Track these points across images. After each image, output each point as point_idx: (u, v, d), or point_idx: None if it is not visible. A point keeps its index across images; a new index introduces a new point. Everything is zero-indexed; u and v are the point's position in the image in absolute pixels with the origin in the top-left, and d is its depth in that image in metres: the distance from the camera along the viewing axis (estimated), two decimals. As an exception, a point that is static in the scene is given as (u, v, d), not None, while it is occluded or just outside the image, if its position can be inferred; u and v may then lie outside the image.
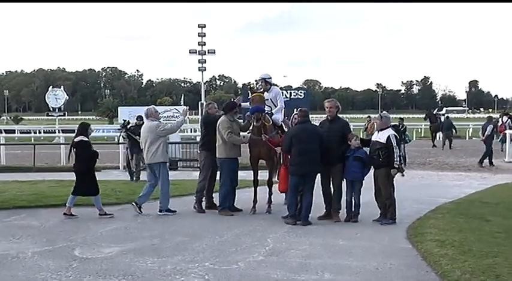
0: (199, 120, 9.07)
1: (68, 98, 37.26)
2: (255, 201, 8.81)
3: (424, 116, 28.12)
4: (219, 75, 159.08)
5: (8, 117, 77.19)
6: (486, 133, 17.04)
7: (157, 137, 8.52)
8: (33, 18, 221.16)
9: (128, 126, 12.53)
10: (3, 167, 16.35)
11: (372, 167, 7.92)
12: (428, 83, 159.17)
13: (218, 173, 8.91)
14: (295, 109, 14.93)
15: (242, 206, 8.81)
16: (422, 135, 31.61)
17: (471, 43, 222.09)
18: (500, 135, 20.93)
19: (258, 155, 8.79)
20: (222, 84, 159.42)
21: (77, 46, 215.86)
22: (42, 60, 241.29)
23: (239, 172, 8.87)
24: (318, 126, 8.11)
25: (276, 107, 9.19)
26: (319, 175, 7.98)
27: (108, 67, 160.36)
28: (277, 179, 8.87)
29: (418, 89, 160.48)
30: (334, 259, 6.04)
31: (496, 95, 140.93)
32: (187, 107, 9.15)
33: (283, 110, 9.26)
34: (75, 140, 8.50)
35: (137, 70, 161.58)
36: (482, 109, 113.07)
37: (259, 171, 8.84)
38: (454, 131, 24.63)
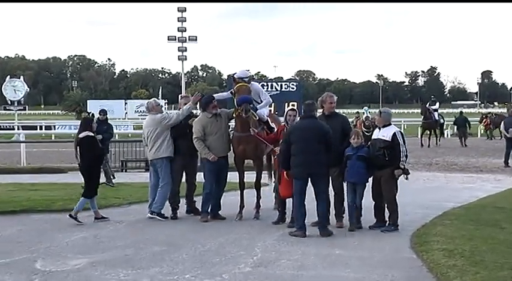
0: None
1: (28, 90, 36.94)
2: (241, 206, 8.82)
3: (420, 111, 26.76)
4: (201, 66, 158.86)
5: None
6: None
7: (162, 131, 8.71)
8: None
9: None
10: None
11: (373, 167, 7.94)
12: (436, 74, 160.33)
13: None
14: (287, 104, 15.01)
15: (227, 212, 8.81)
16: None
17: (484, 29, 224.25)
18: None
19: (243, 154, 8.80)
20: (204, 75, 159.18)
21: (39, 31, 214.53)
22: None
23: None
24: (325, 124, 7.85)
25: (259, 104, 9.19)
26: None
27: (75, 55, 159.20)
28: (272, 180, 8.86)
29: (424, 81, 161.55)
30: (330, 270, 6.06)
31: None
32: (199, 93, 9.13)
33: (272, 104, 9.30)
34: (80, 136, 8.62)
35: (109, 59, 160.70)
36: (496, 103, 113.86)
37: (245, 172, 8.85)
38: (468, 127, 24.97)
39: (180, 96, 9.64)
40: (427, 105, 25.24)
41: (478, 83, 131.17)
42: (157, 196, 8.72)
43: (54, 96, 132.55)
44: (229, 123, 9.11)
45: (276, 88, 14.89)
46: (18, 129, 31.37)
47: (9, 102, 33.43)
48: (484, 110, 36.69)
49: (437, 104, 25.69)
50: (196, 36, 46.59)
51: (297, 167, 7.59)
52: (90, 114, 12.44)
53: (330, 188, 8.07)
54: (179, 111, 8.94)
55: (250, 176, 8.90)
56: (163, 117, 8.78)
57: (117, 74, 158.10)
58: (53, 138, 30.24)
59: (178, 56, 46.60)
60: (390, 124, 8.06)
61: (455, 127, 28.18)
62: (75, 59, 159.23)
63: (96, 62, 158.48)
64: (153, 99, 9.76)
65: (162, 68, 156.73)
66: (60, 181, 12.89)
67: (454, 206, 9.69)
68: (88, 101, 57.24)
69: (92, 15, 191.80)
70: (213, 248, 6.99)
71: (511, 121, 17.02)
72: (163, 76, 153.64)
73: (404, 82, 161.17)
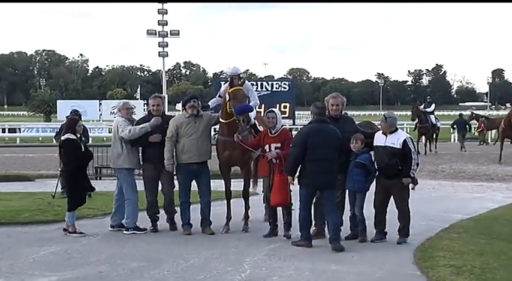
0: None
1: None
2: (228, 217, 8.83)
3: (410, 114, 25.05)
4: (184, 63, 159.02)
5: None
6: None
7: (119, 137, 8.64)
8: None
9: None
10: None
11: (380, 176, 8.03)
12: (442, 73, 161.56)
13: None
14: (278, 105, 15.03)
15: (213, 224, 8.79)
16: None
17: (495, 24, 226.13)
18: None
19: (230, 160, 8.82)
20: (188, 73, 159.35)
21: (2, 22, 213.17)
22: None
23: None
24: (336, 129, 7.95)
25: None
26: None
27: (43, 50, 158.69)
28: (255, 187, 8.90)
29: (429, 80, 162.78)
30: (326, 288, 6.08)
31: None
32: (160, 119, 8.94)
33: (257, 107, 9.34)
34: (62, 138, 8.60)
35: (81, 55, 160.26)
36: (508, 104, 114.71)
37: (232, 180, 8.87)
38: (469, 130, 25.08)
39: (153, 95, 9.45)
40: (421, 107, 24.50)
41: (488, 83, 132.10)
42: (126, 211, 8.72)
43: (19, 95, 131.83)
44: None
45: (266, 88, 14.97)
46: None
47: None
48: (476, 112, 37.00)
49: (433, 105, 25.01)
50: (178, 31, 46.69)
51: (312, 174, 7.68)
52: (78, 115, 11.91)
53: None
54: (135, 127, 8.63)
55: (237, 184, 8.91)
56: (119, 125, 8.69)
57: (90, 71, 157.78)
58: (17, 142, 30.11)
59: (159, 52, 46.65)
60: (397, 129, 8.17)
61: (456, 131, 28.61)
62: (43, 54, 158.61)
63: (67, 58, 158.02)
64: (124, 100, 9.73)
65: (141, 65, 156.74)
66: (26, 190, 12.80)
67: (462, 218, 9.76)
68: (58, 101, 56.94)
69: (64, 6, 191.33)
70: (197, 263, 6.98)
71: None
72: (142, 74, 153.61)
73: (407, 81, 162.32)
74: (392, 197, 8.09)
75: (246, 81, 9.32)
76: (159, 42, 46.09)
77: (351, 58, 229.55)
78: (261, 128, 9.03)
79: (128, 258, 7.23)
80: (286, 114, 26.73)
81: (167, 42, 45.89)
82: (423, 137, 23.93)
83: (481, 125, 30.20)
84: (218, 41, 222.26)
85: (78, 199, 8.58)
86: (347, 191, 8.19)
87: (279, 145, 8.18)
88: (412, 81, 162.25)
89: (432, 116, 24.19)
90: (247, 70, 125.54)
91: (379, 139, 8.11)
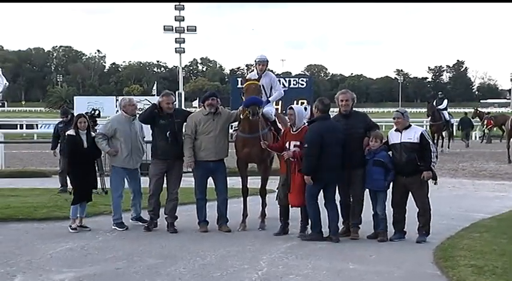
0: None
1: (7, 84, 36.98)
2: (244, 215, 8.84)
3: (426, 111, 24.80)
4: (201, 59, 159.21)
5: None
6: None
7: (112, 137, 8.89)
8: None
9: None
10: None
11: (398, 174, 8.00)
12: (463, 69, 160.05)
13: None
14: (295, 102, 15.00)
15: (229, 221, 8.80)
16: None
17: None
18: None
19: (248, 157, 8.82)
20: (205, 69, 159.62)
21: (20, 18, 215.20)
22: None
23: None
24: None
25: (267, 96, 9.23)
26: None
27: (60, 46, 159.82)
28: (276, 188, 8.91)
29: (449, 77, 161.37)
30: (344, 287, 6.07)
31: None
32: (114, 150, 8.97)
33: (279, 102, 9.36)
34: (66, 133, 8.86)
35: (98, 51, 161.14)
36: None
37: (249, 177, 8.88)
38: (472, 128, 26.08)
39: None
40: (434, 104, 23.91)
41: (511, 80, 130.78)
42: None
43: (37, 91, 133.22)
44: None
45: (283, 84, 14.89)
46: (-4, 128, 31.47)
47: (-15, 97, 33.58)
48: (481, 109, 36.88)
49: (445, 101, 24.25)
50: (195, 27, 46.77)
51: (324, 171, 7.86)
52: (96, 112, 11.68)
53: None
54: (101, 142, 8.74)
55: (254, 182, 8.92)
56: (99, 131, 9.16)
57: (107, 67, 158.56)
58: (35, 138, 30.38)
59: (176, 48, 46.77)
60: (410, 125, 8.15)
61: (460, 129, 28.68)
62: (61, 50, 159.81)
63: (84, 54, 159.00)
64: (129, 97, 9.88)
65: (158, 62, 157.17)
66: (44, 186, 12.91)
67: (484, 217, 9.70)
68: (75, 97, 56.61)
69: (81, 3, 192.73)
70: (214, 261, 7.01)
71: None
72: (158, 70, 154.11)
73: (427, 78, 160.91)
74: (412, 196, 8.05)
75: (268, 71, 9.37)
76: (175, 38, 46.20)
77: (370, 54, 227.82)
78: (280, 126, 9.02)
79: (145, 255, 7.27)
80: (303, 111, 26.74)
81: (184, 38, 45.97)
82: (435, 135, 23.31)
83: (490, 121, 30.04)
84: (235, 37, 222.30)
85: (78, 194, 8.68)
86: (367, 190, 8.19)
87: (299, 142, 8.14)
88: (432, 78, 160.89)
89: (446, 113, 23.76)
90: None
91: (394, 137, 8.09)
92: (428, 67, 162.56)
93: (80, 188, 8.72)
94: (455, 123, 28.45)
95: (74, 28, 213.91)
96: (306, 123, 8.26)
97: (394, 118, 8.17)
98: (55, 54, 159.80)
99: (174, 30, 45.80)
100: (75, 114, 10.25)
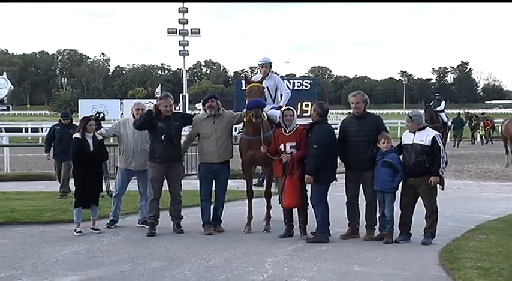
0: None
1: (13, 87, 37.20)
2: (249, 217, 8.83)
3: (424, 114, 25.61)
4: (205, 61, 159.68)
5: None
6: None
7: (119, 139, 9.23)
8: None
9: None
10: None
11: (406, 175, 8.00)
12: (467, 70, 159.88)
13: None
14: (300, 103, 14.97)
15: (234, 224, 8.84)
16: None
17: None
18: None
19: (252, 160, 8.81)
20: (209, 72, 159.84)
21: (25, 22, 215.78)
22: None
23: (228, 182, 8.92)
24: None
25: (271, 98, 9.22)
26: (343, 182, 8.35)
27: (65, 50, 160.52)
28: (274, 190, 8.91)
29: (454, 78, 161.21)
30: (349, 289, 6.06)
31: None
32: (101, 133, 9.09)
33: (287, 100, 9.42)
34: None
35: (102, 54, 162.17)
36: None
37: (254, 179, 8.90)
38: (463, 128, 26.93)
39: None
40: (431, 106, 23.13)
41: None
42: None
43: (42, 94, 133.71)
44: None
45: (288, 86, 14.90)
46: (1, 131, 31.54)
47: (-9, 101, 33.69)
48: (471, 111, 37.12)
49: (443, 103, 23.69)
50: (199, 29, 46.81)
51: (327, 171, 8.05)
52: (101, 115, 11.56)
53: (362, 196, 8.30)
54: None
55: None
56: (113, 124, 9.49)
57: (111, 70, 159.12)
58: (40, 141, 30.28)
59: (180, 51, 46.80)
60: (425, 127, 8.14)
61: (452, 129, 28.58)
62: (65, 53, 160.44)
63: (88, 58, 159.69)
64: (138, 100, 10.16)
65: (162, 64, 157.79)
66: (49, 189, 12.94)
67: (490, 219, 9.66)
68: (79, 100, 57.45)
69: (85, 6, 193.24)
70: (219, 263, 7.01)
71: None
72: (162, 73, 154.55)
73: (432, 79, 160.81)
74: (420, 198, 8.04)
75: (273, 74, 9.39)
76: (179, 41, 46.23)
77: (374, 56, 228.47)
78: None
79: (150, 258, 7.27)
80: (308, 113, 26.76)
81: (188, 41, 46.01)
82: None
83: (487, 123, 29.99)
84: (239, 39, 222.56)
85: (79, 197, 8.72)
86: (376, 191, 8.19)
87: (294, 143, 8.17)
88: (436, 79, 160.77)
89: (443, 115, 23.36)
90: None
91: (407, 138, 8.12)
92: (433, 68, 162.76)
93: (82, 191, 8.71)
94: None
95: (78, 32, 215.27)
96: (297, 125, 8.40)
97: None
98: (60, 57, 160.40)
99: (178, 33, 45.83)
100: (79, 117, 10.32)
